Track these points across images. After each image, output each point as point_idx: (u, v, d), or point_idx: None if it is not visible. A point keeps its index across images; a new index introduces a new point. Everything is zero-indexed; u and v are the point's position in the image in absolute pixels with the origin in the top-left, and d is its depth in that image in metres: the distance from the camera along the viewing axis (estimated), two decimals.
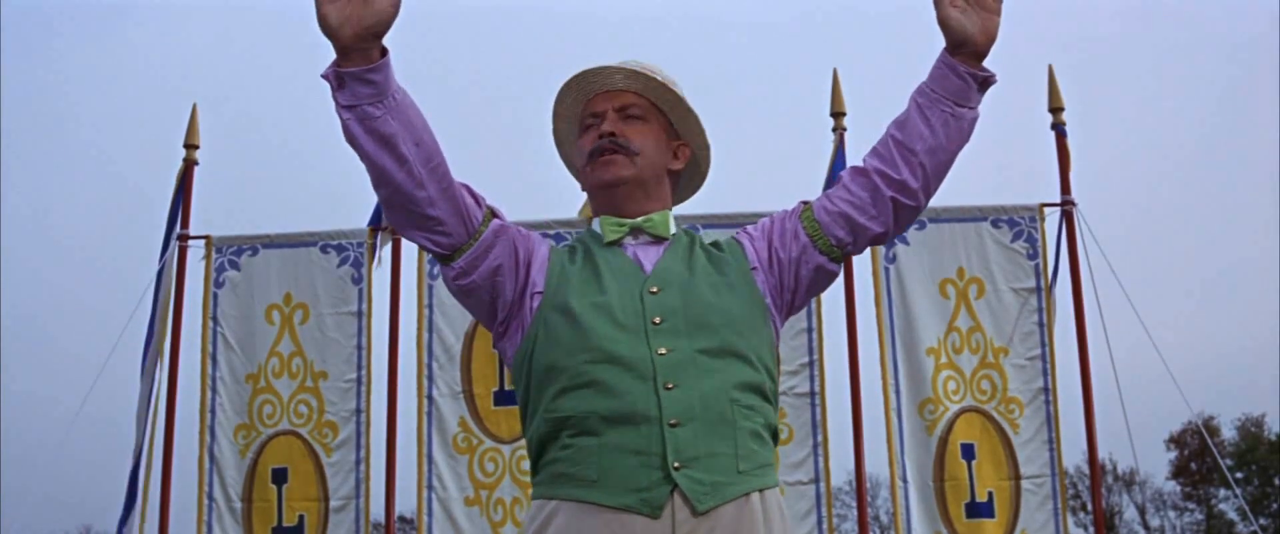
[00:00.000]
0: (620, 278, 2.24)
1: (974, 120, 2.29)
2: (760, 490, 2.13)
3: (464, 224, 2.16)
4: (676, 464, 2.06)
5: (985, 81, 2.29)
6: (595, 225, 2.36)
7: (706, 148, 2.43)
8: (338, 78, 2.03)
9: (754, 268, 2.28)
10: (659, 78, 2.36)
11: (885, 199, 2.26)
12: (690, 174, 2.47)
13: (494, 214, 2.23)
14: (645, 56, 2.42)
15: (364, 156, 2.08)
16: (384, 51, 2.04)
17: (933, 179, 2.28)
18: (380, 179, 2.10)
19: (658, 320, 2.17)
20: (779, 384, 2.35)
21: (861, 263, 6.07)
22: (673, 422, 2.08)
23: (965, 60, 2.27)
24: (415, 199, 2.11)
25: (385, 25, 2.00)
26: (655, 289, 2.22)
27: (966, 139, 2.29)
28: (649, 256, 2.29)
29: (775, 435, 2.24)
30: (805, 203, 2.34)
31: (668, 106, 2.37)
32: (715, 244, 2.35)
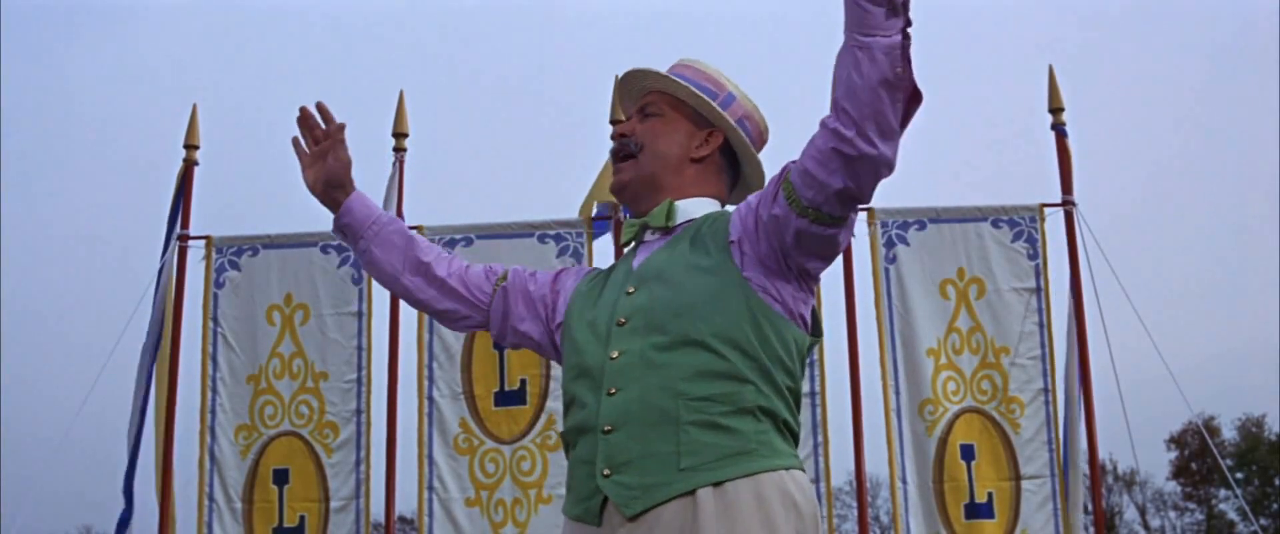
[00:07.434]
0: (615, 285, 2.26)
1: (889, 47, 1.99)
2: (716, 483, 2.01)
3: (475, 307, 2.42)
4: (605, 471, 2.08)
5: (889, 1, 2.00)
6: None
7: (734, 129, 2.35)
8: (337, 230, 2.48)
9: (734, 241, 2.17)
10: (663, 71, 2.38)
11: (828, 150, 2.05)
12: (741, 157, 2.40)
13: (504, 279, 2.42)
14: (644, 54, 2.45)
15: (376, 280, 2.52)
16: (348, 193, 2.45)
17: (862, 121, 2.01)
18: (395, 295, 2.52)
19: (622, 321, 2.17)
20: (787, 351, 2.15)
21: (861, 263, 6.06)
22: (607, 428, 2.09)
23: None
24: (424, 302, 2.44)
25: (339, 177, 2.43)
26: (631, 289, 2.21)
27: (889, 69, 2.00)
28: (647, 254, 2.28)
29: (769, 412, 2.10)
30: (790, 163, 2.18)
31: (687, 97, 2.36)
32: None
